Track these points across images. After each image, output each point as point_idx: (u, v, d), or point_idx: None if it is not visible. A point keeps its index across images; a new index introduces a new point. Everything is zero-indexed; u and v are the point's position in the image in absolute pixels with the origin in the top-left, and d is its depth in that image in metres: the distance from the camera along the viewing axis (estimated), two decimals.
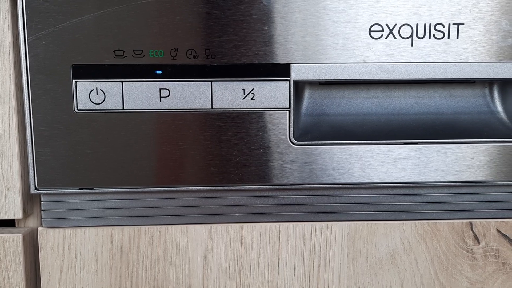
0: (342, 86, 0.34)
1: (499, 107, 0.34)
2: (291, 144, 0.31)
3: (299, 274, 0.33)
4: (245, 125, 0.31)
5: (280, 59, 0.30)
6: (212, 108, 0.31)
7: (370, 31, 0.30)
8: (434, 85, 0.34)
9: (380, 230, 0.33)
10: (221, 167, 0.31)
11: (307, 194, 0.33)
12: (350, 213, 0.33)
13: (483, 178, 0.32)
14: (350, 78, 0.31)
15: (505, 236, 0.34)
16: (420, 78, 0.31)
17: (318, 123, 0.33)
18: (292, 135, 0.31)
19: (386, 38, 0.31)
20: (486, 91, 0.34)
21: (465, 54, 0.31)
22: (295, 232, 0.33)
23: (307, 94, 0.34)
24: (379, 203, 0.33)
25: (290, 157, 0.32)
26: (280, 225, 0.33)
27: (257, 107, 0.31)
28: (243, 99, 0.31)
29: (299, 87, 0.33)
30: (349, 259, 0.33)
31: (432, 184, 0.32)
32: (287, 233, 0.33)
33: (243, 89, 0.31)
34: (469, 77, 0.31)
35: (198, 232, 0.33)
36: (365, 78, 0.31)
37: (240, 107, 0.31)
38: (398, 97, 0.34)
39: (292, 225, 0.33)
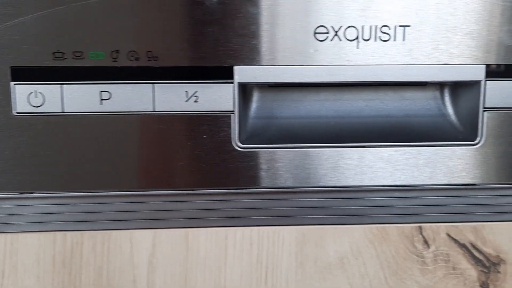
0: (292, 89, 0.33)
1: (450, 109, 0.34)
2: (237, 147, 0.31)
3: (246, 280, 0.33)
4: (188, 129, 0.30)
5: (224, 61, 0.30)
6: (154, 111, 0.30)
7: (315, 33, 0.30)
8: (385, 88, 0.34)
9: (329, 235, 0.33)
10: (164, 171, 0.31)
11: (254, 198, 0.32)
12: (298, 218, 0.32)
13: (432, 182, 0.32)
14: (295, 81, 0.30)
15: (455, 240, 0.33)
16: (365, 81, 0.30)
17: (266, 126, 0.33)
18: (238, 139, 0.31)
19: (331, 40, 0.30)
20: (438, 93, 0.34)
21: (412, 57, 0.30)
22: (242, 237, 0.32)
23: (256, 96, 0.33)
24: (328, 207, 0.33)
25: (236, 160, 0.31)
26: (227, 230, 0.32)
27: (200, 110, 0.30)
28: (186, 101, 0.30)
29: (247, 89, 0.33)
30: (298, 264, 0.33)
31: (380, 188, 0.32)
32: (234, 238, 0.32)
33: (186, 92, 0.30)
34: (415, 80, 0.30)
35: (143, 237, 0.32)
36: (311, 81, 0.30)
37: (183, 110, 0.30)
38: (348, 100, 0.34)
39: (239, 230, 0.32)
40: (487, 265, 0.34)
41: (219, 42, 0.30)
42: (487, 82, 0.31)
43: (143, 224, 0.32)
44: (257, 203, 0.32)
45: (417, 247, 0.33)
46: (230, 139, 0.31)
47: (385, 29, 0.30)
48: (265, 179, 0.31)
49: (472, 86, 0.32)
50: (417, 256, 0.33)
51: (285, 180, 0.31)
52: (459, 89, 0.33)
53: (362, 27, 0.30)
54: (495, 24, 0.30)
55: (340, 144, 0.31)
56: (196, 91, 0.30)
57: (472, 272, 0.34)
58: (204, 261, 0.32)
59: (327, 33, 0.30)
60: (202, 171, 0.31)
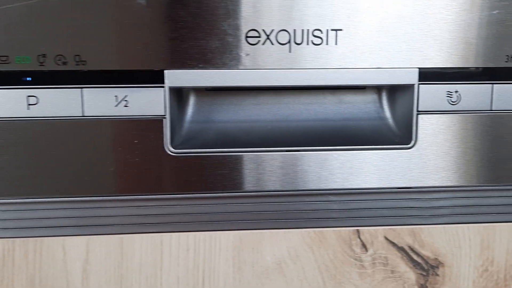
0: (230, 93, 0.33)
1: (387, 113, 0.34)
2: (169, 152, 0.30)
3: (183, 286, 0.32)
4: (119, 134, 0.30)
5: (154, 65, 0.29)
6: (83, 116, 0.30)
7: (246, 37, 0.30)
8: (324, 91, 0.34)
9: (266, 239, 0.32)
10: (95, 177, 0.30)
11: (189, 203, 0.32)
12: (234, 222, 0.32)
13: (367, 186, 0.32)
14: (227, 85, 0.30)
15: (393, 244, 0.33)
16: (297, 84, 0.30)
17: (203, 130, 0.32)
18: (170, 143, 0.30)
19: (263, 44, 0.30)
20: (376, 97, 0.34)
21: (344, 60, 0.30)
22: (178, 243, 0.32)
23: (192, 100, 0.33)
24: (264, 212, 0.32)
25: (169, 166, 0.30)
26: (162, 235, 0.32)
27: (131, 114, 0.30)
28: (116, 106, 0.30)
29: (183, 93, 0.32)
30: (235, 269, 0.32)
31: (316, 192, 0.32)
32: (170, 244, 0.32)
33: (116, 96, 0.29)
34: (346, 84, 0.30)
35: (76, 244, 0.31)
36: (243, 85, 0.30)
37: (113, 114, 0.30)
38: (287, 104, 0.33)
39: (174, 235, 0.32)
40: (426, 268, 0.34)
41: (149, 45, 0.29)
42: (420, 85, 0.31)
43: (76, 231, 0.31)
44: (192, 208, 0.32)
45: (355, 251, 0.33)
46: (162, 144, 0.30)
47: (317, 33, 0.30)
48: (198, 184, 0.31)
49: (406, 89, 0.32)
50: (355, 259, 0.33)
51: (219, 185, 0.31)
52: (396, 92, 0.33)
53: (294, 31, 0.30)
54: (427, 28, 0.30)
55: (275, 148, 0.31)
56: (126, 96, 0.30)
57: (410, 275, 0.34)
58: (139, 267, 0.32)
59: (259, 36, 0.30)
60: (134, 176, 0.30)
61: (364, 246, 0.33)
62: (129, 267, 0.32)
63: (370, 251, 0.33)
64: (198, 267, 0.32)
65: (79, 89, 0.29)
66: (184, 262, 0.32)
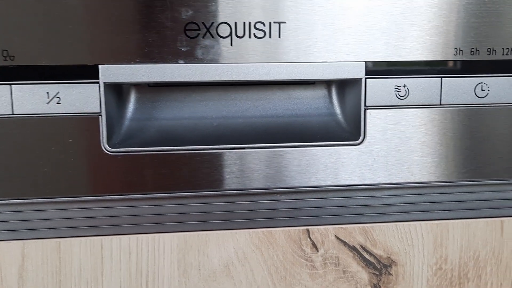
0: (174, 89, 0.32)
1: (337, 109, 0.33)
2: (106, 151, 0.29)
3: None
4: (52, 132, 0.28)
5: (88, 59, 0.28)
6: (13, 114, 0.28)
7: (185, 30, 0.28)
8: (272, 87, 0.33)
9: (212, 241, 0.31)
10: (28, 179, 0.29)
11: (129, 205, 0.30)
12: (178, 224, 0.31)
13: (316, 184, 0.31)
14: (166, 80, 0.28)
15: (345, 243, 0.32)
16: (240, 79, 0.29)
17: (144, 128, 0.31)
18: (106, 142, 0.29)
19: (203, 37, 0.29)
20: (325, 92, 0.33)
21: (289, 54, 0.29)
22: (119, 246, 0.31)
23: (133, 97, 0.31)
24: (210, 212, 0.31)
25: (106, 165, 0.29)
26: (102, 239, 0.30)
27: (64, 112, 0.28)
28: (47, 103, 0.28)
29: (123, 89, 0.31)
30: (180, 273, 0.31)
31: (263, 191, 0.31)
32: (110, 247, 0.30)
33: (47, 93, 0.28)
34: (292, 78, 0.29)
35: (10, 249, 0.30)
36: (182, 80, 0.29)
37: (44, 112, 0.28)
38: (234, 100, 0.32)
39: (115, 238, 0.30)
40: (378, 267, 0.33)
41: (82, 39, 0.28)
42: (367, 79, 0.30)
43: (10, 235, 0.30)
44: (133, 209, 0.30)
45: (306, 251, 0.32)
46: (99, 143, 0.29)
47: (259, 26, 0.29)
48: (139, 184, 0.30)
49: (354, 84, 0.31)
50: (306, 260, 0.32)
51: (161, 185, 0.30)
52: (345, 87, 0.32)
53: (235, 23, 0.29)
54: (373, 20, 0.30)
55: (220, 146, 0.30)
56: (58, 92, 0.28)
57: (363, 275, 0.33)
58: (79, 272, 0.31)
59: (198, 30, 0.29)
60: (70, 177, 0.29)
61: (314, 246, 0.32)
62: (68, 272, 0.30)
63: (321, 251, 0.32)
64: (141, 271, 0.31)
65: (8, 86, 0.28)
66: (126, 266, 0.31)
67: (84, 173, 0.29)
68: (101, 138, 0.29)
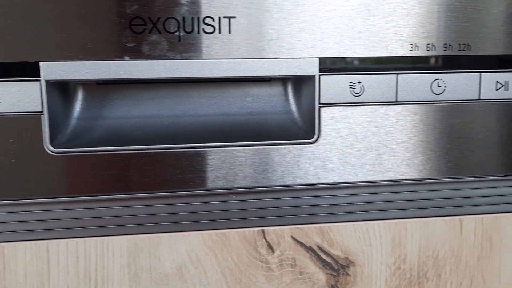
0: (124, 86, 0.31)
1: (293, 106, 0.32)
2: (49, 152, 0.28)
3: None
4: None
5: (29, 56, 0.27)
6: None
7: (131, 25, 0.27)
8: (227, 84, 0.32)
9: (164, 243, 0.30)
10: None
11: (76, 207, 0.29)
12: (128, 226, 0.30)
13: (269, 183, 0.30)
14: (110, 78, 0.27)
15: (301, 243, 0.32)
16: (189, 76, 0.28)
17: (92, 127, 0.30)
18: (49, 142, 0.28)
19: (150, 32, 0.28)
20: (282, 90, 0.32)
21: (239, 50, 0.28)
22: (66, 250, 0.29)
23: (81, 95, 0.30)
24: (161, 214, 0.30)
25: (50, 166, 0.28)
26: (48, 242, 0.29)
27: (3, 111, 0.27)
28: None
29: (70, 87, 0.30)
30: (131, 276, 0.30)
31: (215, 191, 0.30)
32: (57, 252, 0.29)
33: None
34: (243, 75, 0.28)
35: None
36: (127, 77, 0.27)
37: None
38: (187, 97, 0.31)
39: (62, 242, 0.29)
40: (336, 268, 0.32)
41: (22, 35, 0.27)
42: (321, 76, 0.29)
43: None
44: (79, 212, 0.29)
45: (261, 252, 0.31)
46: (41, 143, 0.28)
47: (208, 21, 0.28)
48: (85, 185, 0.28)
49: (308, 81, 0.30)
50: (262, 261, 0.31)
51: (109, 186, 0.29)
52: (301, 85, 0.31)
53: (183, 18, 0.28)
54: (326, 15, 0.29)
55: (170, 146, 0.29)
56: None
57: (320, 276, 0.32)
58: (24, 278, 0.29)
59: (144, 25, 0.27)
60: (12, 179, 0.28)
61: (270, 247, 0.31)
62: (12, 278, 0.29)
63: (277, 252, 0.32)
64: (90, 276, 0.30)
65: None
66: (74, 270, 0.30)
67: (27, 174, 0.28)
68: (43, 138, 0.27)
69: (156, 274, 0.30)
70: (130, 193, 0.29)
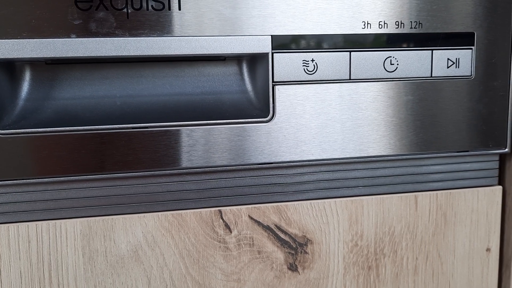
0: (74, 66, 0.29)
1: (248, 85, 0.31)
2: None
3: (27, 281, 0.28)
4: None
5: None
6: None
7: (76, 2, 0.26)
8: (181, 64, 0.31)
9: (119, 226, 0.29)
10: None
11: (25, 190, 0.28)
12: (81, 209, 0.28)
13: (224, 163, 0.29)
14: (57, 56, 0.26)
15: (258, 223, 0.31)
16: (137, 55, 0.27)
17: (41, 108, 0.28)
18: None
19: (96, 9, 0.26)
20: (236, 69, 0.31)
21: (190, 28, 0.27)
22: (17, 234, 0.28)
23: (28, 75, 0.29)
24: (114, 196, 0.29)
25: None
26: None
27: None
28: None
29: (16, 67, 0.28)
30: (86, 260, 0.29)
31: (171, 171, 0.29)
32: (8, 236, 0.28)
33: None
34: (193, 53, 0.27)
35: None
36: (71, 55, 0.26)
37: None
38: (139, 77, 0.30)
39: (12, 226, 0.28)
40: (294, 246, 0.32)
41: None
42: (274, 54, 0.28)
43: None
44: (29, 195, 0.28)
45: (218, 233, 0.30)
46: None
47: None
48: (34, 168, 0.27)
49: (262, 59, 0.29)
50: (219, 242, 0.31)
51: (58, 168, 0.27)
52: (255, 63, 0.30)
53: None
54: None
55: (122, 126, 0.28)
56: None
57: (278, 254, 0.31)
58: None
59: (91, 1, 0.26)
60: None
61: (227, 227, 0.30)
62: None
63: (235, 232, 0.31)
64: (43, 260, 0.28)
65: None
66: (25, 255, 0.28)
67: None
68: None
69: (112, 256, 0.29)
70: (81, 174, 0.28)
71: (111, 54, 0.27)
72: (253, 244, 0.31)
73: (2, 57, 0.25)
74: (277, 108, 0.29)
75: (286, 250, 0.32)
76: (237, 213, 0.31)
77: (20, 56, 0.26)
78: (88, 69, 0.30)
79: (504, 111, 0.32)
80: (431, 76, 0.31)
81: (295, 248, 0.32)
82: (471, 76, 0.31)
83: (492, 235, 0.35)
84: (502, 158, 0.35)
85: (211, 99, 0.30)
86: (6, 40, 0.25)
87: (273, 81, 0.29)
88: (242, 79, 0.31)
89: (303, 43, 0.29)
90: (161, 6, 0.27)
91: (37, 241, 0.28)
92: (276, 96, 0.29)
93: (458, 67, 0.31)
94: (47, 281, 0.29)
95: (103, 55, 0.27)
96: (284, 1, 0.28)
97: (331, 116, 0.30)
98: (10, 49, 0.26)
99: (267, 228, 0.31)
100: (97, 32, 0.26)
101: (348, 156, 0.31)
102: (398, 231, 0.33)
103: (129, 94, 0.30)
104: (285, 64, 0.29)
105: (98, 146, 0.28)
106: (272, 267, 0.32)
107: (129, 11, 0.26)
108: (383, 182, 0.32)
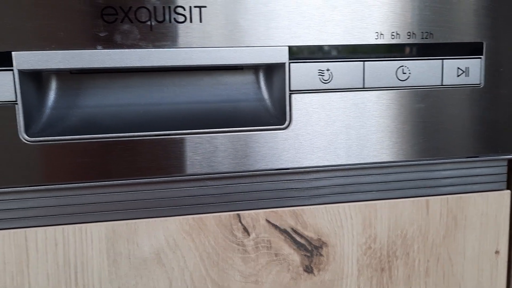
0: (98, 76, 0.30)
1: (265, 94, 0.31)
2: (24, 141, 0.26)
3: (54, 283, 0.29)
4: None
5: (1, 46, 0.25)
6: None
7: (102, 15, 0.26)
8: (200, 73, 0.31)
9: (142, 229, 0.29)
10: None
11: (52, 195, 0.28)
12: (105, 213, 0.29)
13: (243, 169, 0.29)
14: (84, 67, 0.26)
15: (276, 226, 0.31)
16: (161, 65, 0.27)
17: (66, 116, 0.29)
18: (24, 131, 0.26)
19: (121, 22, 0.26)
20: (253, 77, 0.31)
21: (210, 39, 0.27)
22: (45, 237, 0.28)
23: (54, 84, 0.29)
24: (138, 200, 0.29)
25: (25, 155, 0.27)
26: (26, 231, 0.28)
27: None
28: None
29: (43, 77, 0.28)
30: (110, 262, 0.29)
31: (192, 177, 0.29)
32: (36, 239, 0.28)
33: None
34: (214, 63, 0.27)
35: None
36: (100, 66, 0.26)
37: None
38: (160, 86, 0.30)
39: (40, 230, 0.28)
40: (310, 248, 0.32)
41: None
42: (291, 64, 0.29)
43: None
44: (56, 200, 0.28)
45: (237, 236, 0.31)
46: (16, 132, 0.26)
47: (180, 10, 0.27)
48: (61, 174, 0.27)
49: (279, 69, 0.29)
50: (238, 244, 0.31)
51: (84, 174, 0.28)
52: (272, 72, 0.30)
53: (154, 8, 0.27)
54: (293, 5, 0.28)
55: (144, 133, 0.28)
56: None
57: (295, 257, 0.32)
58: (3, 266, 0.28)
59: (116, 14, 0.26)
60: None
61: (246, 230, 0.31)
62: None
63: (253, 235, 0.31)
64: (69, 262, 0.29)
65: None
66: (53, 257, 0.28)
67: (2, 163, 0.26)
68: (18, 127, 0.26)
69: (135, 259, 0.29)
70: (106, 180, 0.28)
71: (135, 65, 0.27)
72: (270, 246, 0.31)
73: (32, 68, 0.26)
74: (293, 116, 0.29)
75: (302, 253, 0.32)
76: (255, 217, 0.31)
77: (49, 67, 0.26)
78: (110, 78, 0.30)
79: None
80: (442, 85, 0.31)
81: (311, 251, 0.32)
82: (480, 84, 0.32)
83: (501, 238, 0.35)
84: (511, 163, 0.35)
85: (229, 107, 0.31)
86: (36, 52, 0.26)
87: (290, 90, 0.29)
88: (259, 87, 0.31)
89: (318, 53, 0.29)
90: (183, 19, 0.27)
91: (64, 244, 0.29)
92: (293, 104, 0.29)
93: (468, 76, 0.31)
94: (73, 282, 0.29)
95: (127, 65, 0.27)
96: (300, 14, 0.28)
97: (345, 123, 0.30)
98: (40, 60, 0.26)
99: (284, 231, 0.31)
100: (122, 44, 0.27)
101: (362, 162, 0.31)
102: (410, 234, 0.33)
103: (151, 102, 0.30)
104: (302, 73, 0.29)
105: (122, 152, 0.28)
106: (289, 269, 0.32)
107: (153, 23, 0.27)
108: (395, 187, 0.32)
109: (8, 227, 0.28)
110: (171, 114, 0.30)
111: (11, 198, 0.28)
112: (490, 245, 0.35)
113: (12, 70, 0.26)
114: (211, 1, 0.27)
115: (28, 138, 0.26)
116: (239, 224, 0.31)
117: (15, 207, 0.28)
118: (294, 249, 0.32)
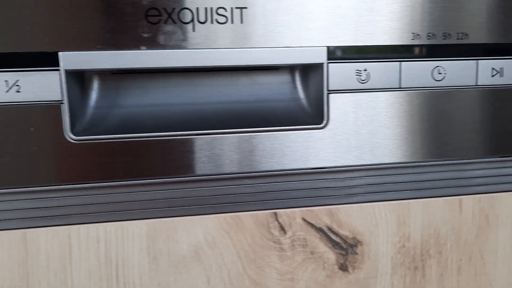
0: (138, 75, 0.30)
1: (301, 93, 0.31)
2: (70, 140, 0.27)
3: (96, 279, 0.29)
4: (12, 122, 0.26)
5: (48, 46, 0.26)
6: None
7: (147, 16, 0.26)
8: (237, 73, 0.31)
9: (181, 227, 0.29)
10: None
11: (95, 193, 0.28)
12: (146, 211, 0.29)
13: (281, 167, 0.29)
14: (128, 67, 0.26)
15: (312, 225, 0.31)
16: (203, 65, 0.27)
17: (108, 116, 0.29)
18: (70, 130, 0.27)
19: (165, 23, 0.27)
20: (289, 77, 0.31)
21: (251, 40, 0.28)
22: (87, 235, 0.28)
23: (96, 84, 0.29)
24: (177, 198, 0.29)
25: (70, 154, 0.27)
26: (69, 228, 0.28)
27: (24, 100, 0.26)
28: (6, 92, 0.26)
29: (86, 77, 0.29)
30: (150, 259, 0.29)
31: (231, 175, 0.29)
32: (78, 236, 0.28)
33: (6, 81, 0.26)
34: (254, 64, 0.28)
35: None
36: (145, 66, 0.27)
37: (4, 101, 0.26)
38: (198, 86, 0.30)
39: (82, 227, 0.28)
40: (345, 247, 0.32)
41: (42, 26, 0.26)
42: (329, 64, 0.29)
43: None
44: (99, 198, 0.28)
45: (274, 234, 0.31)
46: (62, 131, 0.27)
47: (221, 11, 0.27)
48: (103, 172, 0.28)
49: (316, 69, 0.29)
50: (274, 242, 0.31)
51: (126, 172, 0.28)
52: (308, 72, 0.31)
53: (197, 9, 0.27)
54: (332, 6, 0.28)
55: (184, 133, 0.28)
56: (17, 80, 0.26)
57: (330, 255, 0.32)
58: (46, 262, 0.28)
59: (160, 15, 0.27)
60: (34, 166, 0.27)
61: (282, 228, 0.31)
62: (34, 263, 0.28)
63: (289, 233, 0.31)
64: (111, 259, 0.29)
65: None
66: (95, 254, 0.29)
67: (48, 162, 0.27)
68: (64, 126, 0.27)
69: (174, 256, 0.30)
70: (147, 178, 0.28)
71: (177, 65, 0.27)
72: (306, 245, 0.31)
73: (78, 68, 0.26)
74: (331, 115, 0.29)
75: (337, 251, 0.32)
76: (291, 215, 0.31)
77: (94, 67, 0.26)
78: (149, 78, 0.30)
79: None
80: (476, 85, 0.31)
81: (346, 249, 0.32)
82: None
83: None
84: None
85: (266, 106, 0.31)
86: (82, 52, 0.26)
87: (328, 90, 0.29)
88: (295, 87, 0.31)
89: (356, 53, 0.29)
90: (225, 20, 0.27)
91: (106, 241, 0.29)
92: (330, 104, 0.29)
93: (502, 76, 0.31)
94: (114, 279, 0.29)
95: (170, 65, 0.27)
96: (338, 15, 0.28)
97: (381, 123, 0.30)
98: (86, 61, 0.26)
99: (319, 230, 0.31)
100: (165, 44, 0.27)
101: (397, 161, 0.31)
102: (443, 233, 0.33)
103: (189, 102, 0.30)
104: (339, 73, 0.29)
105: (163, 151, 0.28)
106: (324, 267, 0.32)
107: (195, 24, 0.27)
108: (429, 186, 0.32)
109: (52, 224, 0.28)
110: (209, 114, 0.30)
111: (55, 196, 0.28)
112: None
113: (59, 70, 0.26)
114: (252, 2, 0.27)
115: (74, 137, 0.27)
116: (276, 222, 0.31)
117: (59, 205, 0.28)
118: (329, 247, 0.32)
